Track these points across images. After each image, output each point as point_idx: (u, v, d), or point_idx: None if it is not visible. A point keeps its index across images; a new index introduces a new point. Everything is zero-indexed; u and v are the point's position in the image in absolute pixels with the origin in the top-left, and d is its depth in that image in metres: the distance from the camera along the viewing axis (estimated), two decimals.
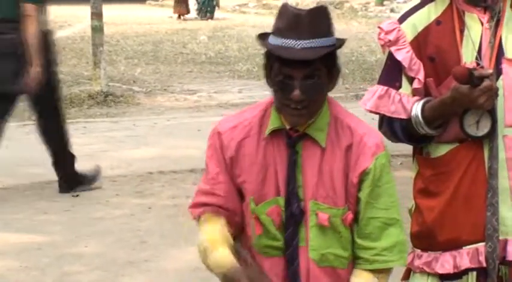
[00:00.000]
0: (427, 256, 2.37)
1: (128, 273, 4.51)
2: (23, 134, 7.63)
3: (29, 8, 5.27)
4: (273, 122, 2.21)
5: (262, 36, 2.20)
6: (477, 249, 2.30)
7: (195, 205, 2.32)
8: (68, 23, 18.45)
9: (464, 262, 2.31)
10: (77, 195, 6.09)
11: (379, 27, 2.41)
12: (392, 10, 17.70)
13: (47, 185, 6.29)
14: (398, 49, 2.33)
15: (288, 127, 2.19)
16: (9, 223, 5.32)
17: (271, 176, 2.22)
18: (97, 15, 10.21)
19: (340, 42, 2.19)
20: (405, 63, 2.30)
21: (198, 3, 19.69)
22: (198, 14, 19.76)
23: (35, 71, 5.41)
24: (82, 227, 5.38)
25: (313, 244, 2.18)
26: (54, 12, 22.41)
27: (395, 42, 2.34)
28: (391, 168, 2.47)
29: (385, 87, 2.34)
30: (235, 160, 2.23)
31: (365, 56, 12.72)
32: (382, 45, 2.37)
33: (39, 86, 5.52)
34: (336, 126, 2.21)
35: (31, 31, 5.40)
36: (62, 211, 5.74)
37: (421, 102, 2.28)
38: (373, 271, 2.21)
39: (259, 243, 2.23)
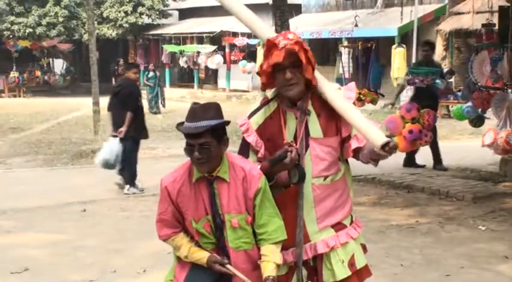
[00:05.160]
0: None
1: None
2: None
3: None
4: (196, 174, 3.01)
5: (180, 124, 2.99)
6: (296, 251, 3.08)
7: (160, 231, 3.13)
8: (79, 108, 21.98)
9: (289, 258, 3.09)
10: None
11: (236, 122, 3.13)
12: None
13: None
14: (248, 135, 3.09)
15: (206, 175, 2.98)
16: None
17: (201, 204, 3.03)
18: (96, 103, 13.67)
19: (226, 122, 2.95)
20: (253, 143, 3.07)
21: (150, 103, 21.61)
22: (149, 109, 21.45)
23: None
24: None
25: (230, 239, 3.04)
26: (70, 101, 25.36)
27: (246, 131, 3.09)
28: None
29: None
30: (179, 200, 3.04)
31: None
32: (241, 133, 3.09)
33: None
34: (234, 168, 3.03)
35: None
36: None
37: (259, 166, 3.03)
38: (271, 244, 3.04)
39: (201, 241, 3.09)
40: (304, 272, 3.11)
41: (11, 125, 17.61)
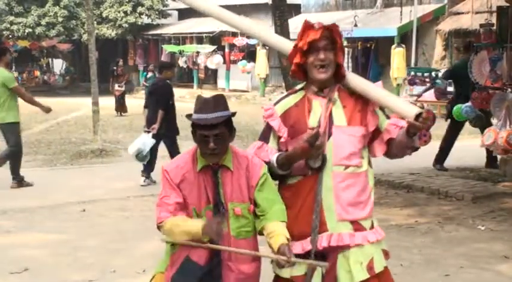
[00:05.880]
0: None
1: None
2: None
3: None
4: (200, 162, 3.06)
5: (189, 115, 3.04)
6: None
7: (158, 214, 3.06)
8: (78, 108, 22.53)
9: (308, 246, 3.07)
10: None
11: (262, 107, 3.28)
12: (270, 99, 22.36)
13: None
14: (272, 119, 3.17)
15: (211, 164, 3.05)
16: None
17: (204, 193, 3.06)
18: (95, 103, 13.52)
19: (233, 113, 3.04)
20: (276, 128, 3.15)
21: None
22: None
23: None
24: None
25: (232, 227, 3.07)
26: (69, 101, 25.50)
27: (270, 115, 3.17)
28: None
29: (261, 142, 3.21)
30: (182, 187, 3.05)
31: (254, 126, 15.44)
32: (264, 118, 3.18)
33: None
34: (237, 157, 3.11)
35: None
36: None
37: (277, 154, 3.12)
38: (275, 221, 3.04)
39: None
40: (326, 264, 3.03)
41: None
